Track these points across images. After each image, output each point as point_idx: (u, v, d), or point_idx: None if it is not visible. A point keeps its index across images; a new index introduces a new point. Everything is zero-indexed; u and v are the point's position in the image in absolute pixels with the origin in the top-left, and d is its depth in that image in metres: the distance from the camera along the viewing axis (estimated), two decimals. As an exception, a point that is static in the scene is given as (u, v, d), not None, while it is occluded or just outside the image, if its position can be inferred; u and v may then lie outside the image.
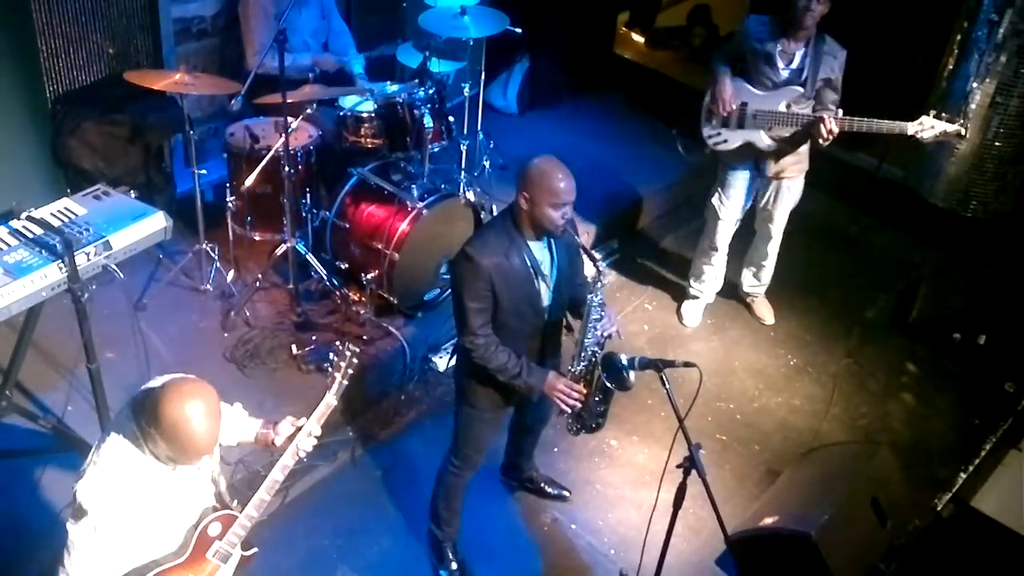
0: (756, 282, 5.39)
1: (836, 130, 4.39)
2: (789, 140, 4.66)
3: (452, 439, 3.75)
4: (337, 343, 2.93)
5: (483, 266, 3.20)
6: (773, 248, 5.17)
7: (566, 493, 4.32)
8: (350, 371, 2.91)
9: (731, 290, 5.51)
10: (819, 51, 4.50)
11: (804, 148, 4.74)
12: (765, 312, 5.46)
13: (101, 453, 2.53)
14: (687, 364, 3.20)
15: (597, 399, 3.46)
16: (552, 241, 3.35)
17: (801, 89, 4.54)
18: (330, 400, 2.90)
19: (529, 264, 3.29)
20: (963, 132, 4.37)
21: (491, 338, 3.32)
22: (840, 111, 4.50)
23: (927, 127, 4.35)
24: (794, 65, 4.55)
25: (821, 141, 4.44)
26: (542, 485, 4.31)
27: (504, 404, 3.62)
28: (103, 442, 2.55)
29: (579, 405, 3.40)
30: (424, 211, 4.60)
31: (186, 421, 2.42)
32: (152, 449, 2.51)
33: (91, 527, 2.49)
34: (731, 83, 4.63)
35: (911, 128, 4.37)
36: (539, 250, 3.33)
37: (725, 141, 4.75)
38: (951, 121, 4.36)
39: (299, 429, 2.89)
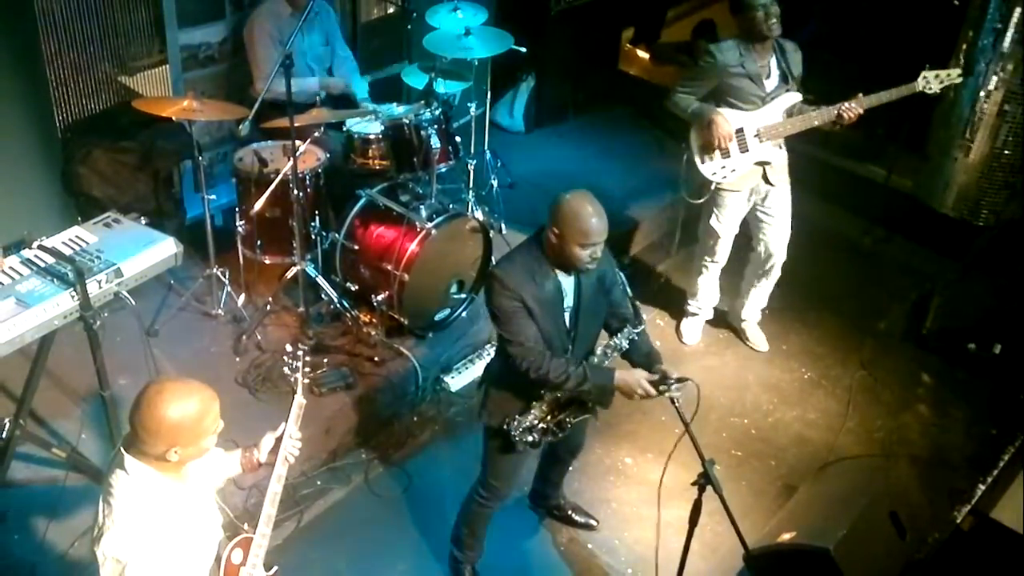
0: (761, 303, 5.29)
1: (861, 110, 4.51)
2: (798, 138, 4.72)
3: (481, 469, 3.70)
4: (287, 347, 3.13)
5: (510, 285, 3.17)
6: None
7: (593, 522, 4.26)
8: (306, 369, 3.11)
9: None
10: (785, 51, 4.59)
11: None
12: (759, 340, 5.36)
13: (113, 502, 2.44)
14: (680, 380, 3.17)
15: None
16: (580, 275, 3.28)
17: (795, 92, 4.61)
18: (300, 400, 3.03)
19: (560, 292, 3.25)
20: (961, 72, 4.63)
21: (541, 345, 3.20)
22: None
23: (931, 79, 4.55)
24: (776, 74, 4.60)
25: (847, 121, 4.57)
26: (569, 513, 4.26)
27: None
28: (110, 490, 2.46)
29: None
30: (433, 231, 4.60)
31: (165, 404, 2.38)
32: (161, 456, 2.44)
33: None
34: (722, 117, 4.57)
35: (919, 85, 4.56)
36: (566, 281, 3.28)
37: (733, 171, 4.72)
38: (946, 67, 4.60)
39: (280, 439, 2.93)
